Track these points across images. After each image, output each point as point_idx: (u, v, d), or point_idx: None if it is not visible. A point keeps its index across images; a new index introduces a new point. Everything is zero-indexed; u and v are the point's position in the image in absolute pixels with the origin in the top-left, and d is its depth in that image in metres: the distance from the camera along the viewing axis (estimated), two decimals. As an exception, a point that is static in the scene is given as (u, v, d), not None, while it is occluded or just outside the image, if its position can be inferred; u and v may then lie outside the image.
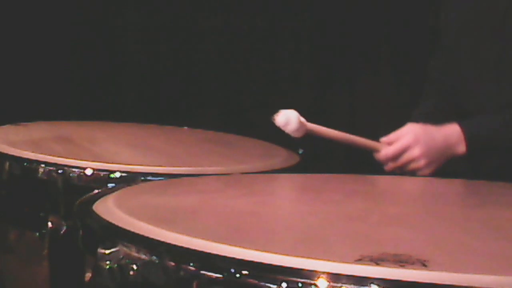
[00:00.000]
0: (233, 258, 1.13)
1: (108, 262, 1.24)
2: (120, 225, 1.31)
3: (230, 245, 1.17)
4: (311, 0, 3.46)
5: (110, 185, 1.83)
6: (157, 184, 1.85)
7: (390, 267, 1.08)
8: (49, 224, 1.92)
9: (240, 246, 1.16)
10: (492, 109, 2.21)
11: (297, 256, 1.11)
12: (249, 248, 1.15)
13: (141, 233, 1.26)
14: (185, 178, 1.87)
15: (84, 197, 1.57)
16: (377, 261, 1.10)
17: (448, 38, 2.35)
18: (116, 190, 1.62)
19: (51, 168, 1.95)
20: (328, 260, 1.10)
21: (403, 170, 2.08)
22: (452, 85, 2.34)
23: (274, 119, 1.92)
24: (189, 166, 2.04)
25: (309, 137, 1.99)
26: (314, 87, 3.47)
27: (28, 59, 3.54)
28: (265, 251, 1.14)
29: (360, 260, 1.10)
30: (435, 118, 2.23)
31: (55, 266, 1.94)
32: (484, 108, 2.22)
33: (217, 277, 1.13)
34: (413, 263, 1.09)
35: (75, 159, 1.98)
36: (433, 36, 2.47)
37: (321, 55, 3.45)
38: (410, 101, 2.51)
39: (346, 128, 2.09)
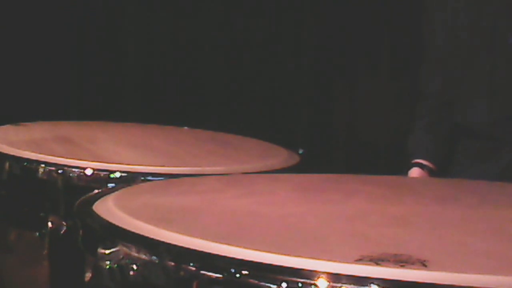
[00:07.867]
0: (233, 258, 1.13)
1: (108, 262, 1.24)
2: (120, 225, 1.31)
3: (230, 245, 1.17)
4: (312, 1, 3.47)
5: (110, 185, 1.83)
6: (157, 184, 1.85)
7: (390, 267, 1.08)
8: (49, 224, 1.92)
9: (240, 246, 1.16)
10: (484, 124, 2.22)
11: (297, 256, 1.11)
12: (249, 248, 1.15)
13: (141, 233, 1.26)
14: (185, 178, 1.87)
15: (84, 197, 1.57)
16: (377, 261, 1.10)
17: (437, 51, 2.35)
18: (116, 190, 1.62)
19: (51, 168, 1.95)
20: (328, 260, 1.10)
21: None
22: (447, 99, 2.34)
23: None
24: (189, 166, 2.04)
25: (309, 137, 1.99)
26: (314, 88, 3.47)
27: (28, 59, 3.55)
28: (265, 251, 1.14)
29: (360, 260, 1.10)
30: (427, 147, 2.34)
31: (55, 266, 1.94)
32: (476, 123, 2.24)
33: (217, 277, 1.13)
34: (413, 263, 1.09)
35: (75, 159, 1.98)
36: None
37: (321, 55, 3.45)
38: (410, 102, 2.51)
39: (346, 128, 2.09)
